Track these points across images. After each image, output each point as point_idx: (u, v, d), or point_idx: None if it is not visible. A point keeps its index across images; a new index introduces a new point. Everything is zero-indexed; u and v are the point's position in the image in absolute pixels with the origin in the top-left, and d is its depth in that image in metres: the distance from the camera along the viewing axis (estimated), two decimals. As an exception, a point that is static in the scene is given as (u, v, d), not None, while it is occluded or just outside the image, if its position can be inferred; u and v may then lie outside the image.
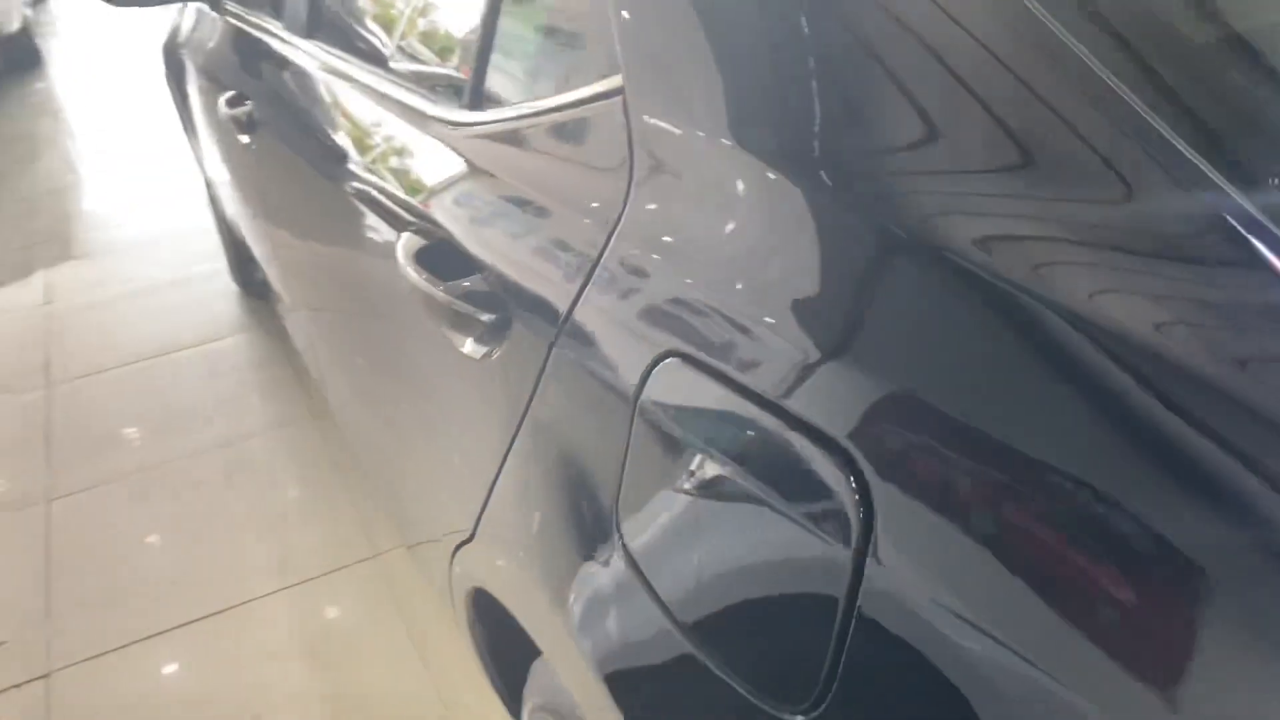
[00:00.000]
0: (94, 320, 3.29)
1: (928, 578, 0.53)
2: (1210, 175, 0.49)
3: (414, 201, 1.17)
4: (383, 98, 1.31)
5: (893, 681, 0.56)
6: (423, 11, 1.36)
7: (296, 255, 1.88)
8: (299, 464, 2.49)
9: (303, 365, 2.50)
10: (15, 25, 6.46)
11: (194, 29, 2.49)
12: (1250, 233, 0.47)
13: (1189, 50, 0.56)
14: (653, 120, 0.78)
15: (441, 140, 1.13)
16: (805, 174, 0.66)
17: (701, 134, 0.74)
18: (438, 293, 1.03)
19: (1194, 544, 0.44)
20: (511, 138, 1.00)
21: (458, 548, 1.20)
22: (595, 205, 0.84)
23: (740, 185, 0.70)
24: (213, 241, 3.39)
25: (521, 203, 0.96)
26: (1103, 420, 0.48)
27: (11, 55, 6.49)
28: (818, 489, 0.58)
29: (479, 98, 1.08)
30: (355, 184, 1.34)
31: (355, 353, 1.62)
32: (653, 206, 0.78)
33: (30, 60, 6.71)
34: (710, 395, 0.68)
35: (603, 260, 0.81)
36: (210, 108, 2.26)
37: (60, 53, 7.17)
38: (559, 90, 0.93)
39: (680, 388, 0.71)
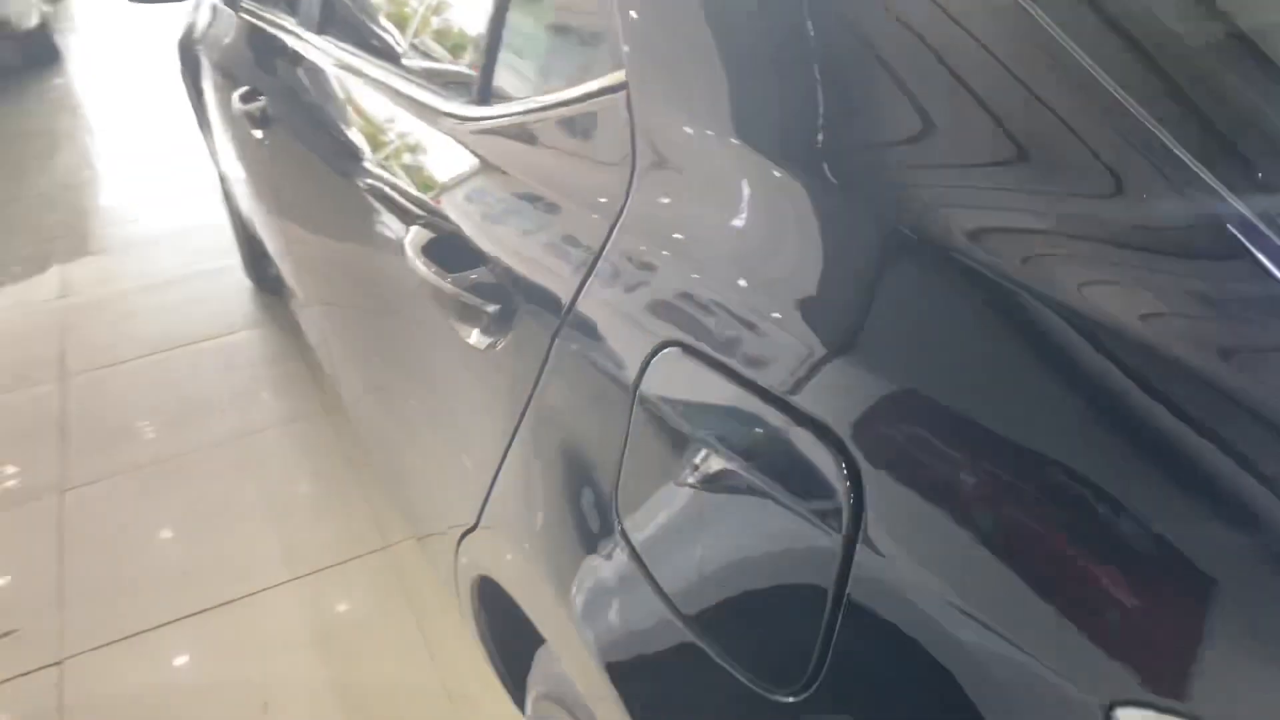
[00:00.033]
0: (109, 314, 3.31)
1: (917, 564, 0.54)
2: (1210, 175, 0.49)
3: (423, 195, 1.19)
4: (395, 93, 1.32)
5: (882, 664, 0.57)
6: (434, 8, 1.38)
7: (309, 250, 1.89)
8: (311, 458, 2.51)
9: (316, 360, 2.52)
10: (34, 21, 6.49)
11: (209, 25, 2.51)
12: (1250, 232, 0.48)
13: (1189, 50, 0.57)
14: (655, 115, 0.79)
15: (451, 135, 1.14)
16: (807, 169, 0.66)
17: (703, 129, 0.75)
18: (445, 285, 1.04)
19: (1182, 536, 0.44)
20: (518, 132, 1.01)
21: (463, 536, 1.21)
22: (598, 199, 0.85)
23: (741, 180, 0.71)
24: (226, 237, 3.41)
25: (526, 196, 0.97)
26: (1094, 413, 0.49)
27: (30, 51, 6.52)
28: (811, 476, 0.59)
29: (487, 93, 1.09)
30: (368, 179, 1.35)
31: (368, 348, 1.63)
32: (654, 200, 0.79)
33: (49, 56, 6.73)
34: (706, 384, 0.69)
35: (605, 253, 0.82)
36: (224, 103, 2.28)
37: (78, 49, 7.19)
38: (564, 86, 0.94)
39: (678, 377, 0.72)
